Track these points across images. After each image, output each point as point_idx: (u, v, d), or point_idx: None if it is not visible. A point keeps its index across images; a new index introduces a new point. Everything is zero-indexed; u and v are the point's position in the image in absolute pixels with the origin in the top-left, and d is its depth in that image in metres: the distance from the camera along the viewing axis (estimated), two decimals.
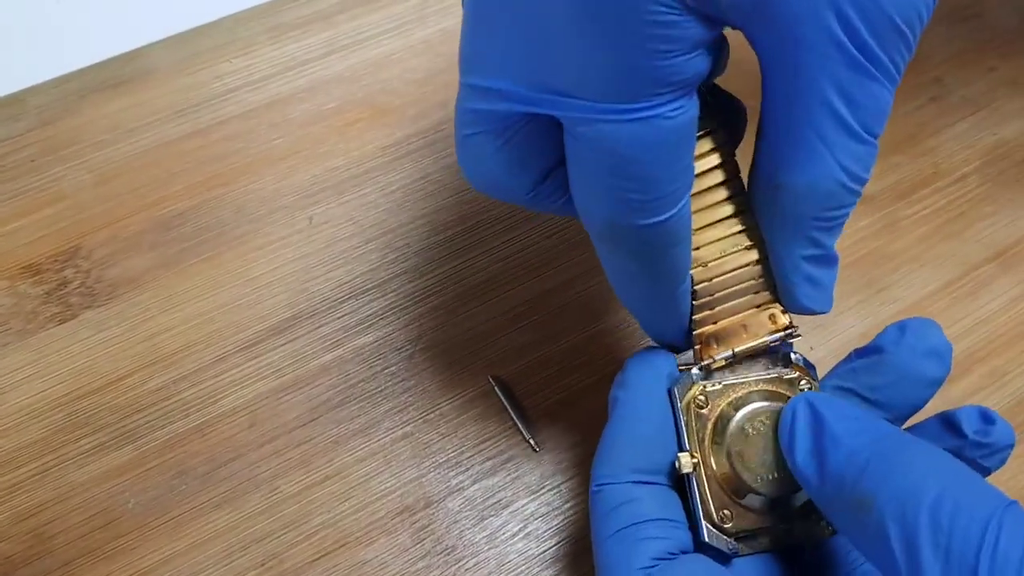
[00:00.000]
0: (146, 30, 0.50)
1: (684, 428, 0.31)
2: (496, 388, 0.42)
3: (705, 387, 0.32)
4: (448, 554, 0.38)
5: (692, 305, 0.32)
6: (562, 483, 0.40)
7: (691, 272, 0.32)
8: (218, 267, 0.44)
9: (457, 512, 0.39)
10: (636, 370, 0.33)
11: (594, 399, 0.42)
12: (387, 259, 0.45)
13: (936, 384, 0.32)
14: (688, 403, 0.32)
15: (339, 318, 0.43)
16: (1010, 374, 0.44)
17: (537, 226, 0.46)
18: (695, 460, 0.31)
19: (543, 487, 0.40)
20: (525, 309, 0.44)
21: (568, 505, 0.40)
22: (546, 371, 0.43)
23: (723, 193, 0.32)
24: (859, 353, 0.33)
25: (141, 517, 0.38)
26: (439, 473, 0.40)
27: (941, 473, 0.25)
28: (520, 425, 0.41)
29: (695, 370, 0.32)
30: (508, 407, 0.41)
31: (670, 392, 0.32)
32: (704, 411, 0.32)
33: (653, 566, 0.30)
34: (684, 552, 0.31)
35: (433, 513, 0.39)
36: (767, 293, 0.32)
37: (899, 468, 0.25)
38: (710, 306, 0.32)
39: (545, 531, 0.39)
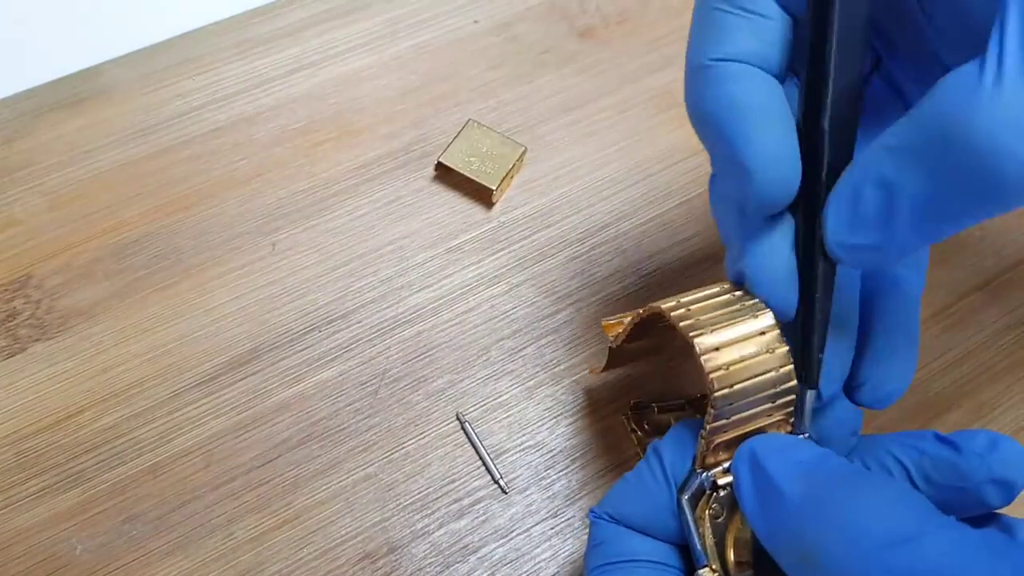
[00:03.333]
0: (106, 46, 0.48)
1: (699, 540, 0.29)
2: (464, 426, 0.40)
3: (718, 494, 0.30)
4: None
5: (709, 412, 0.29)
6: (532, 526, 0.38)
7: (712, 376, 0.28)
8: (175, 297, 0.42)
9: (422, 559, 0.38)
10: (671, 442, 0.31)
11: (566, 439, 0.40)
12: (353, 288, 0.43)
13: (990, 509, 0.30)
14: (701, 513, 0.29)
15: (301, 351, 0.42)
16: (998, 409, 0.42)
17: (511, 257, 0.45)
18: (716, 574, 0.29)
19: (512, 531, 0.38)
20: (495, 344, 0.42)
21: (539, 550, 0.38)
22: (516, 409, 0.41)
23: (745, 295, 0.30)
24: (937, 437, 0.30)
25: (89, 564, 0.37)
26: (403, 516, 0.38)
27: (885, 515, 0.24)
28: (489, 465, 0.39)
29: (704, 475, 0.30)
30: (477, 446, 0.40)
31: (679, 502, 0.29)
32: (720, 520, 0.29)
33: None
34: None
35: (396, 560, 0.37)
36: (787, 399, 0.30)
37: (840, 515, 0.24)
38: (726, 415, 0.29)
39: None
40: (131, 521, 0.38)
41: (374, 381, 0.41)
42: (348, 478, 0.39)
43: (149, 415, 0.40)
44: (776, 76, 0.29)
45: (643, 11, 0.53)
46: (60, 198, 0.44)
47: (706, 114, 0.29)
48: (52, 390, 0.40)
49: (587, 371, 0.42)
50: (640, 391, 0.42)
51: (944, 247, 0.46)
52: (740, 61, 0.28)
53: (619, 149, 0.48)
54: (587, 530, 0.38)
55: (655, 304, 0.30)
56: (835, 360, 0.31)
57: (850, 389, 0.32)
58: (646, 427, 0.40)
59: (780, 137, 0.28)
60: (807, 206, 0.29)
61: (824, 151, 0.28)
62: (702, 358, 0.28)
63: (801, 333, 0.30)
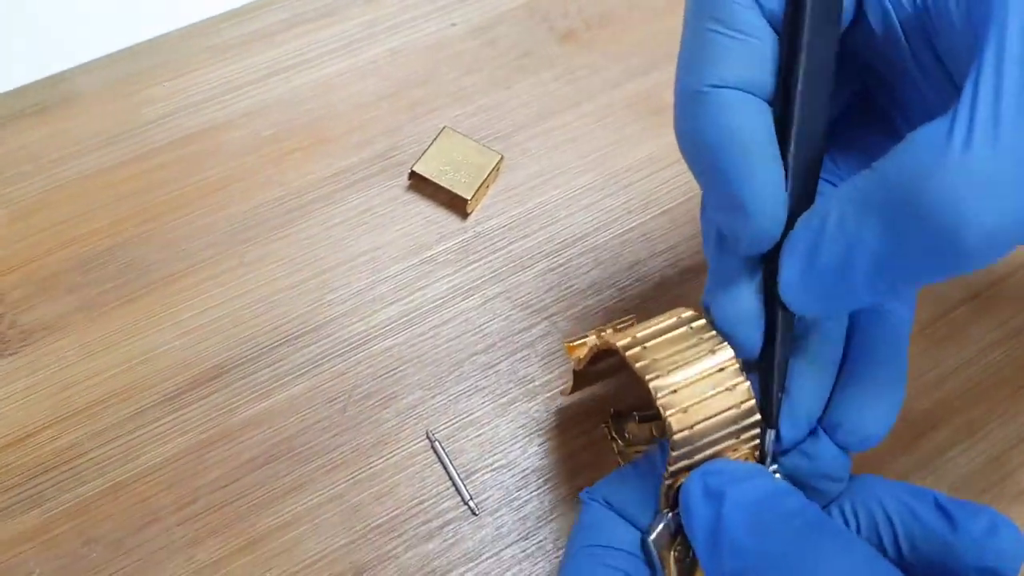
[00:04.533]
0: (73, 52, 0.47)
1: None
2: (434, 444, 0.39)
3: (683, 535, 0.29)
4: None
5: (670, 453, 0.28)
6: (502, 549, 0.37)
7: (670, 419, 0.27)
8: (142, 310, 0.41)
9: None
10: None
11: (539, 458, 0.39)
12: (324, 301, 0.42)
13: None
14: (667, 554, 0.29)
15: (269, 366, 0.41)
16: (985, 427, 0.41)
17: (486, 268, 0.43)
18: None
19: (482, 554, 0.37)
20: (468, 359, 0.41)
21: (509, 574, 0.37)
22: (488, 426, 0.40)
23: (703, 329, 0.29)
24: (937, 504, 0.29)
25: None
26: (370, 539, 0.37)
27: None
28: (459, 485, 0.38)
29: (669, 515, 0.29)
30: (447, 465, 0.39)
31: (644, 543, 0.29)
32: (687, 561, 0.28)
33: None
34: None
35: None
36: (752, 433, 0.29)
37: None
38: (688, 455, 0.28)
39: None
40: (90, 543, 0.37)
41: (343, 397, 0.40)
42: (314, 499, 0.38)
43: (111, 433, 0.39)
44: (768, 102, 0.28)
45: (627, 13, 0.52)
46: (23, 210, 0.43)
47: (702, 145, 0.27)
48: (12, 408, 0.39)
49: (562, 387, 0.41)
50: (620, 401, 0.40)
51: None
52: (737, 88, 0.27)
53: (598, 157, 0.47)
54: (558, 553, 0.37)
55: (611, 339, 0.29)
56: (804, 401, 0.30)
57: (827, 430, 0.31)
58: (627, 436, 0.39)
59: (775, 175, 0.27)
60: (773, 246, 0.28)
61: (787, 190, 0.27)
62: (659, 401, 0.27)
63: (763, 372, 0.29)
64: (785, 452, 0.30)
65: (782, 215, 0.27)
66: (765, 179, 0.26)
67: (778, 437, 0.29)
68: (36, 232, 0.43)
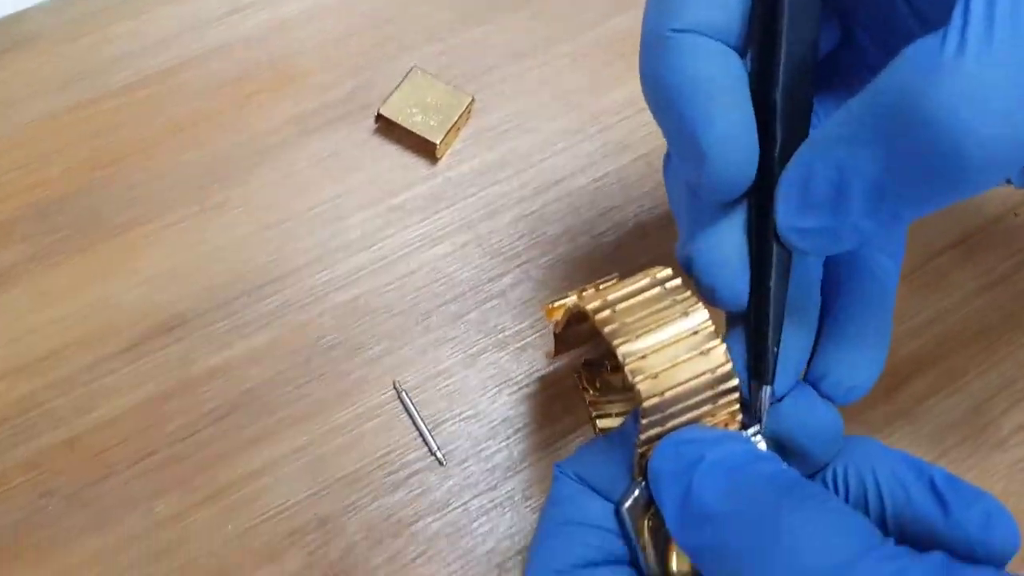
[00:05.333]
0: None
1: (642, 552, 0.27)
2: (401, 395, 0.38)
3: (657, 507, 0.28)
4: None
5: (641, 421, 0.27)
6: (470, 499, 0.37)
7: (639, 386, 0.26)
8: (99, 258, 0.40)
9: (353, 533, 0.36)
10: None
11: (508, 409, 0.38)
12: (287, 249, 0.41)
13: None
14: (642, 526, 0.28)
15: (231, 315, 0.39)
16: (966, 375, 0.40)
17: (456, 215, 0.42)
18: None
19: (449, 505, 0.37)
20: (436, 308, 0.40)
21: (476, 524, 0.36)
22: (457, 377, 0.39)
23: (677, 290, 0.28)
24: (933, 485, 0.26)
25: (0, 543, 0.35)
26: (334, 490, 0.36)
27: (818, 539, 0.22)
28: (426, 436, 0.37)
29: (643, 484, 0.28)
30: (414, 416, 0.38)
31: (618, 512, 0.28)
32: (664, 530, 0.27)
33: (567, 572, 0.28)
34: (608, 562, 0.28)
35: (326, 535, 0.36)
36: (730, 398, 0.27)
37: (767, 537, 0.23)
38: (660, 423, 0.27)
39: (450, 554, 0.36)
40: (46, 496, 0.36)
41: (307, 348, 0.39)
42: (277, 450, 0.37)
43: (66, 385, 0.38)
44: (737, 49, 0.27)
45: None
46: None
47: (662, 90, 0.26)
48: None
49: (534, 336, 0.40)
50: (592, 350, 0.39)
51: None
52: (701, 33, 0.26)
53: (575, 99, 0.45)
54: (526, 504, 0.36)
55: (584, 301, 0.28)
56: (792, 352, 0.28)
57: (812, 381, 0.30)
58: (598, 385, 0.38)
59: (738, 118, 0.26)
60: (760, 188, 0.27)
61: (776, 128, 0.26)
62: (627, 367, 0.26)
63: (753, 325, 0.27)
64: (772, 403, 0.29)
65: (747, 159, 0.26)
66: (728, 124, 0.26)
67: (773, 393, 0.28)
68: None
